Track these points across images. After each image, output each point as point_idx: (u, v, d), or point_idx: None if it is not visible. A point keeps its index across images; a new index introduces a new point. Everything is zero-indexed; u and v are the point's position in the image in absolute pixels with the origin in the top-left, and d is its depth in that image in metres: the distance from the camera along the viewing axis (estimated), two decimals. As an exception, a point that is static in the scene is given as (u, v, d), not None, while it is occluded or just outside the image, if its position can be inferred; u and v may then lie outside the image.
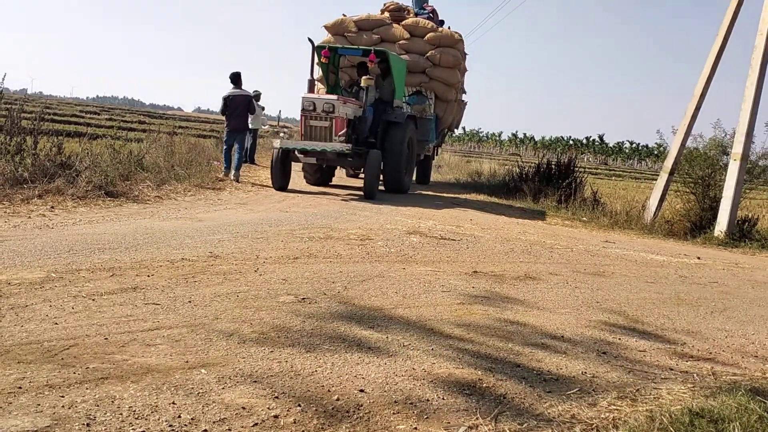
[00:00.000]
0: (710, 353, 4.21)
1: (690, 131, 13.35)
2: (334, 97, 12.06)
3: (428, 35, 16.04)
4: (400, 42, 15.95)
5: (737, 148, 11.68)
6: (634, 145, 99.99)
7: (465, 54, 17.64)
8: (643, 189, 25.46)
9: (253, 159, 17.58)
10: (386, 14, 16.73)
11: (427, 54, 15.97)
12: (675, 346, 4.27)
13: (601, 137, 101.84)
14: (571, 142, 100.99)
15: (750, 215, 12.34)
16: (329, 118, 11.76)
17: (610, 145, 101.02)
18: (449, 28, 16.76)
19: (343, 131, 11.87)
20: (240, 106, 13.11)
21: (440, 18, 17.42)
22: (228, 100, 13.05)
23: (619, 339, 4.27)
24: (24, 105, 10.62)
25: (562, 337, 4.16)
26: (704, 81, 13.10)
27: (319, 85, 15.60)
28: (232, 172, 12.96)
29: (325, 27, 16.37)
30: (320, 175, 13.81)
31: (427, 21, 16.34)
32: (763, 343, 4.61)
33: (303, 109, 11.85)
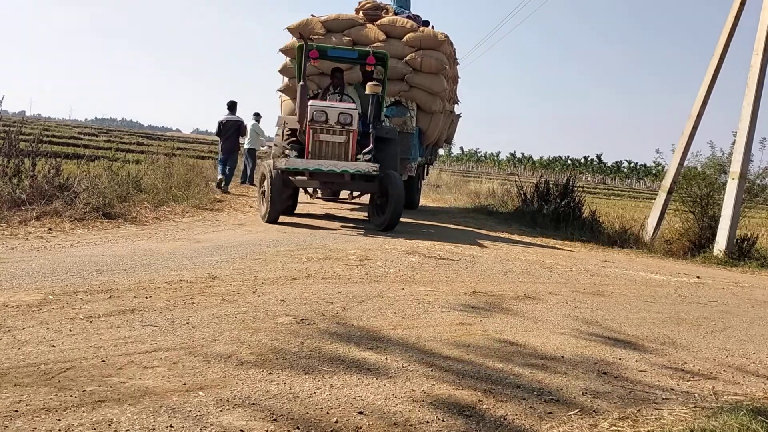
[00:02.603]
0: (711, 373, 4.19)
1: (688, 150, 13.44)
2: (352, 105, 10.25)
3: (407, 36, 13.72)
4: (375, 44, 13.42)
5: (735, 167, 11.73)
6: (632, 165, 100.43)
7: (455, 59, 15.75)
8: (641, 208, 25.48)
9: (252, 180, 17.55)
10: (360, 14, 14.46)
11: (406, 58, 13.60)
12: (676, 365, 4.25)
13: (599, 157, 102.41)
14: (569, 161, 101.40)
15: (749, 234, 12.35)
16: (345, 131, 9.93)
17: (609, 164, 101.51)
18: (433, 28, 14.43)
19: (369, 147, 10.19)
20: (231, 130, 15.23)
21: (424, 19, 15.07)
22: (221, 125, 15.23)
23: (620, 359, 4.24)
24: (22, 127, 10.64)
25: (562, 357, 4.14)
26: (701, 100, 13.19)
27: (283, 96, 14.38)
28: (223, 184, 14.67)
29: (289, 29, 14.07)
30: (291, 202, 11.29)
31: (406, 20, 14.02)
32: (764, 362, 4.59)
33: (312, 121, 9.85)
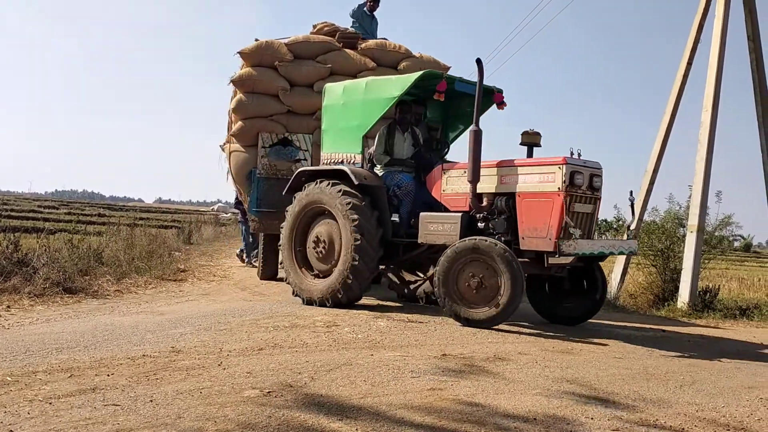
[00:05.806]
0: (683, 428, 4.18)
1: (646, 205, 13.73)
2: (596, 163, 7.54)
3: (403, 63, 11.02)
4: (363, 74, 10.56)
5: (693, 221, 12.03)
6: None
7: None
8: (605, 263, 25.72)
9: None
10: (325, 38, 11.40)
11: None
12: (648, 422, 4.24)
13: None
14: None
15: (711, 285, 12.56)
16: (594, 198, 7.51)
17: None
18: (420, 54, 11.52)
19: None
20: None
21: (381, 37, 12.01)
22: None
23: (592, 418, 4.22)
24: (-21, 203, 10.49)
25: (535, 419, 4.10)
26: (656, 157, 13.58)
27: (232, 145, 11.10)
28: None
29: (241, 54, 10.88)
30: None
31: (397, 44, 11.36)
32: (734, 415, 4.60)
33: (571, 185, 7.10)
